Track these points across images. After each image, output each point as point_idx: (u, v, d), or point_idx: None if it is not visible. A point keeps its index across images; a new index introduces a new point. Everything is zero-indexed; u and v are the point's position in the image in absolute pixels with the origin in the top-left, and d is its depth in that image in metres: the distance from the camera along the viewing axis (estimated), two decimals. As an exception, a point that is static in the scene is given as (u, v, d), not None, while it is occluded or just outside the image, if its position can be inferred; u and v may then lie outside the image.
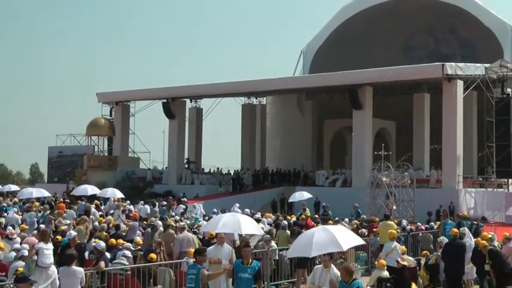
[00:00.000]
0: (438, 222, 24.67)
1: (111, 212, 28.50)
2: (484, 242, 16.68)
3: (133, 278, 14.54)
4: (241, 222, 14.61)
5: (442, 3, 48.24)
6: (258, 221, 21.19)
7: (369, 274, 18.46)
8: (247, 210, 27.96)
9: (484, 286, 16.70)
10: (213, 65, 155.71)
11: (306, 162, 50.98)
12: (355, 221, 26.27)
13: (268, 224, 23.72)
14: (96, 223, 22.55)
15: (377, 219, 23.94)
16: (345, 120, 47.18)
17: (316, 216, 29.84)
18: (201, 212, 30.97)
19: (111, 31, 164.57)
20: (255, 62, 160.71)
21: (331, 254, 11.72)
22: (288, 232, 19.72)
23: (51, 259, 13.68)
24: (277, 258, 17.87)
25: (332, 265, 11.63)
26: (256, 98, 55.80)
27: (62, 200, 32.09)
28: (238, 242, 16.62)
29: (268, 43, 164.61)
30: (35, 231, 18.98)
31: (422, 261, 18.02)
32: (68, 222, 22.82)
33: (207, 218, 25.50)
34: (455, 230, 17.85)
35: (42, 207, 27.78)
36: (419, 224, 26.26)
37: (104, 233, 19.47)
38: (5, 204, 29.92)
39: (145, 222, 23.85)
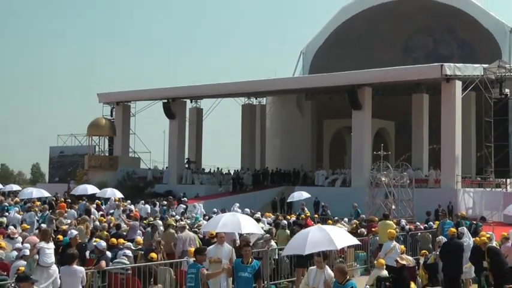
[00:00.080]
0: (437, 222, 24.78)
1: (111, 211, 28.56)
2: (484, 238, 16.72)
3: (134, 277, 14.59)
4: (241, 222, 14.61)
5: (441, 4, 48.38)
6: (257, 220, 21.24)
7: (368, 273, 18.50)
8: (247, 209, 28.00)
9: (482, 282, 16.70)
10: (213, 66, 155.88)
11: (305, 162, 51.05)
12: (355, 220, 26.32)
13: (268, 224, 23.78)
14: (97, 223, 22.55)
15: (376, 218, 23.80)
16: (344, 121, 47.24)
17: (316, 216, 30.01)
18: (201, 211, 31.04)
19: (112, 31, 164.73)
20: (255, 62, 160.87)
21: (325, 255, 11.63)
22: (288, 232, 19.77)
23: (53, 258, 13.62)
24: (276, 257, 17.88)
25: (326, 266, 11.56)
26: (256, 98, 55.89)
27: (63, 199, 32.15)
28: (238, 242, 16.78)
29: (268, 43, 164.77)
30: (36, 231, 19.03)
31: (421, 261, 18.01)
32: (69, 221, 22.90)
33: (207, 217, 25.54)
34: (453, 229, 17.91)
35: (42, 207, 27.84)
36: (418, 223, 26.28)
37: (105, 233, 19.48)
38: (6, 204, 29.93)
39: (144, 221, 23.89)
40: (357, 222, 25.21)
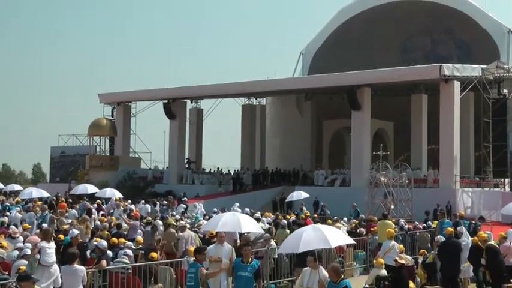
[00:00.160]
0: (436, 222, 24.81)
1: (111, 211, 28.66)
2: (484, 235, 16.84)
3: (134, 276, 14.65)
4: (241, 221, 14.62)
5: (439, 5, 48.48)
6: (257, 220, 21.29)
7: (367, 273, 18.46)
8: (247, 209, 28.12)
9: (480, 277, 16.85)
10: (213, 66, 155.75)
11: (305, 162, 51.16)
12: (354, 220, 26.34)
13: (267, 224, 23.85)
14: (98, 222, 22.74)
15: (375, 218, 23.79)
16: (343, 121, 47.36)
17: (315, 215, 30.14)
18: (202, 211, 31.08)
19: (113, 32, 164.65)
20: (255, 63, 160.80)
21: (319, 256, 11.47)
22: (288, 231, 19.62)
23: (54, 258, 13.61)
24: (276, 257, 17.80)
25: (320, 266, 11.43)
26: (256, 99, 55.96)
27: (63, 199, 32.21)
28: (239, 241, 16.92)
29: (268, 44, 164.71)
30: (38, 231, 19.06)
31: (420, 260, 18.12)
32: (70, 221, 22.90)
33: (207, 217, 25.60)
34: (451, 229, 18.07)
35: (41, 207, 27.52)
36: (417, 223, 26.35)
37: (106, 232, 19.51)
38: (7, 204, 30.19)
39: (143, 221, 23.82)
40: (356, 221, 25.17)
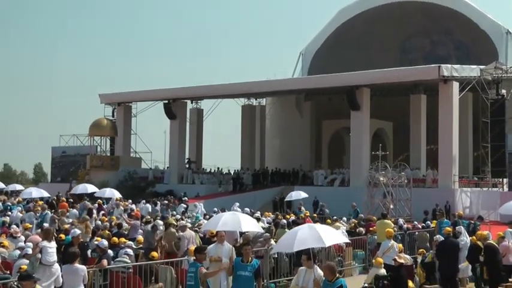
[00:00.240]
0: (434, 221, 24.81)
1: (111, 211, 28.79)
2: (484, 233, 16.99)
3: (135, 275, 14.73)
4: (241, 221, 14.70)
5: (438, 6, 48.57)
6: (257, 219, 21.41)
7: (366, 272, 18.50)
8: (247, 209, 28.33)
9: (477, 273, 16.97)
10: (213, 67, 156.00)
11: (304, 162, 51.18)
12: (353, 219, 26.44)
13: (267, 223, 23.97)
14: (99, 222, 22.85)
15: (374, 218, 23.89)
16: (343, 121, 47.42)
17: (315, 215, 30.31)
18: (202, 211, 31.15)
19: (113, 33, 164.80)
20: (255, 63, 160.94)
21: (313, 255, 11.51)
22: (287, 231, 19.78)
23: (55, 257, 13.65)
24: (276, 256, 17.90)
25: (315, 265, 11.46)
26: (255, 99, 56.04)
27: (64, 199, 32.31)
28: (240, 241, 17.02)
29: (268, 45, 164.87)
30: (39, 230, 19.12)
31: (419, 259, 18.22)
32: (71, 221, 23.10)
33: (207, 217, 25.63)
34: (449, 228, 18.19)
35: (41, 206, 27.82)
36: (415, 222, 26.40)
37: (107, 232, 19.69)
38: (9, 203, 30.25)
39: (142, 220, 23.80)
40: (356, 221, 25.26)
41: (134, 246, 17.70)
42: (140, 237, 19.35)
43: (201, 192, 45.54)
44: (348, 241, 16.29)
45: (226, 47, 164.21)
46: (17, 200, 31.36)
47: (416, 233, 23.28)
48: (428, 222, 25.94)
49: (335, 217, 26.42)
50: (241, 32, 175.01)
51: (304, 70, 54.84)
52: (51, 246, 13.85)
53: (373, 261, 15.73)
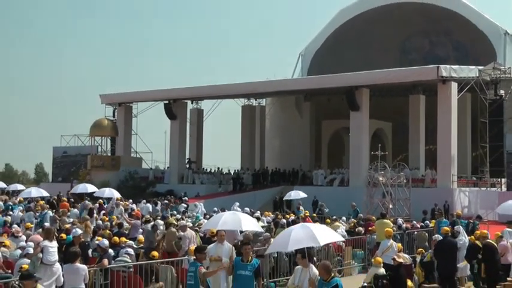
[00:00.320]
0: (433, 221, 24.90)
1: (110, 211, 28.83)
2: (484, 232, 17.12)
3: (135, 275, 14.84)
4: (241, 220, 14.86)
5: (437, 7, 48.63)
6: (257, 219, 21.61)
7: (365, 271, 18.49)
8: (247, 209, 28.44)
9: (474, 270, 17.06)
10: (213, 67, 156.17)
11: (304, 162, 51.25)
12: (352, 219, 26.56)
13: (267, 223, 24.12)
14: (100, 221, 22.98)
15: (374, 217, 23.97)
16: (342, 121, 47.57)
17: (314, 215, 30.47)
18: (202, 210, 31.21)
19: (114, 33, 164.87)
20: (255, 64, 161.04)
21: (308, 254, 11.47)
22: None
23: (56, 257, 13.67)
24: (276, 255, 17.97)
25: (311, 264, 11.44)
26: (255, 100, 56.04)
27: (65, 199, 32.51)
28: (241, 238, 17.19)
29: (268, 45, 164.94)
30: (40, 230, 19.16)
31: (418, 259, 18.21)
32: (71, 220, 23.25)
33: (207, 216, 25.78)
34: (446, 228, 18.16)
35: (41, 206, 28.10)
36: (414, 222, 26.52)
37: (107, 231, 19.86)
38: (10, 203, 30.33)
39: (142, 219, 23.99)
40: (355, 221, 25.38)
41: (135, 246, 17.82)
42: (141, 237, 19.45)
43: (201, 192, 45.65)
44: (342, 239, 16.32)
45: (226, 47, 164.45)
46: (18, 199, 31.33)
47: (415, 232, 23.35)
48: (427, 221, 26.05)
49: (334, 217, 26.55)
50: (241, 33, 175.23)
51: (304, 70, 54.94)
52: (52, 246, 13.90)
53: (372, 260, 15.74)
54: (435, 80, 38.52)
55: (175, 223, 20.03)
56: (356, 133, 42.35)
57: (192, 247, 15.08)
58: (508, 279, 16.30)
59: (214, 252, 12.99)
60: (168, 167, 52.65)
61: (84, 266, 12.80)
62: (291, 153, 52.33)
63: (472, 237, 18.06)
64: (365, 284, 14.81)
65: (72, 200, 33.00)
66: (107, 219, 24.02)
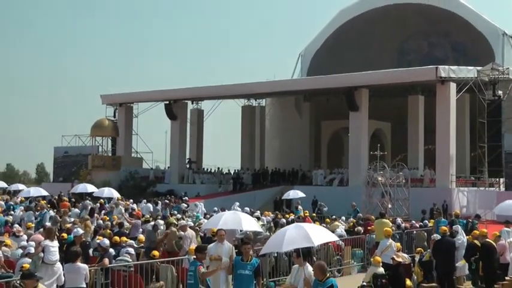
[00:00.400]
0: (432, 220, 25.07)
1: (109, 210, 28.81)
2: (484, 230, 17.25)
3: (136, 274, 14.86)
4: (242, 220, 14.87)
5: (436, 9, 48.78)
6: (257, 219, 21.79)
7: (364, 270, 18.55)
8: (247, 208, 28.41)
9: (473, 264, 17.16)
10: (213, 68, 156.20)
11: (304, 162, 51.39)
12: (352, 219, 26.62)
13: (267, 222, 24.26)
14: (101, 221, 22.98)
15: (373, 217, 23.92)
16: (341, 122, 47.69)
17: (314, 214, 30.64)
18: (202, 210, 31.27)
19: (115, 34, 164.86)
20: (255, 64, 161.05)
21: (302, 253, 11.42)
22: None
23: (57, 256, 13.70)
24: (276, 255, 17.94)
25: (307, 263, 11.43)
26: (255, 100, 56.14)
27: (66, 199, 32.63)
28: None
29: (268, 46, 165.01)
30: (41, 229, 19.15)
31: (417, 258, 18.37)
32: (72, 220, 23.27)
33: (208, 216, 25.79)
34: (444, 227, 18.33)
35: (40, 205, 27.98)
36: (413, 222, 26.65)
37: (108, 231, 19.93)
38: (12, 203, 30.29)
39: (142, 218, 24.06)
40: (354, 220, 25.44)
41: (135, 245, 17.87)
42: (141, 236, 19.50)
43: (201, 192, 45.78)
44: (337, 239, 16.37)
45: (226, 47, 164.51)
46: (19, 199, 31.34)
47: (414, 232, 23.51)
48: (426, 221, 26.17)
49: (334, 216, 26.70)
50: (241, 33, 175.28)
51: (304, 71, 55.11)
52: (54, 245, 13.92)
53: (372, 260, 15.76)
54: (434, 81, 38.67)
55: (176, 223, 20.09)
56: (355, 133, 42.52)
57: (193, 247, 15.12)
58: (507, 278, 16.42)
59: (214, 251, 12.96)
60: (168, 167, 52.75)
61: (85, 266, 12.82)
62: (290, 153, 52.42)
63: (470, 236, 18.15)
64: (364, 283, 14.86)
65: (73, 199, 33.07)
66: (108, 218, 24.05)
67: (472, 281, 17.85)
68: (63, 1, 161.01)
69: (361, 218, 25.83)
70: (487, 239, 16.96)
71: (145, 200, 33.50)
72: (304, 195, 33.47)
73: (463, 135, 44.13)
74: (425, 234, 22.62)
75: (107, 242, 16.15)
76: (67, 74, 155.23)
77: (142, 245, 18.64)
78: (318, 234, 11.21)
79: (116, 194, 31.83)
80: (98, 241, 16.73)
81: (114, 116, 54.23)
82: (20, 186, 39.53)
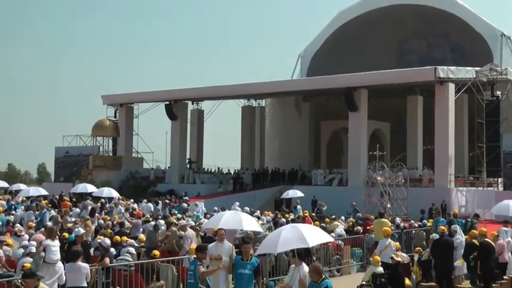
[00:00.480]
0: (431, 220, 25.17)
1: (109, 210, 28.98)
2: (483, 230, 17.27)
3: (137, 273, 14.86)
4: (242, 219, 14.97)
5: (435, 10, 48.87)
6: (257, 218, 21.86)
7: (364, 270, 18.57)
8: (247, 208, 28.48)
9: (471, 262, 17.20)
10: (213, 68, 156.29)
11: (303, 162, 51.51)
12: (351, 218, 26.68)
13: (267, 222, 24.26)
14: (101, 221, 23.12)
15: (372, 217, 23.88)
16: (341, 122, 47.78)
17: (313, 214, 30.78)
18: (203, 210, 31.33)
19: (116, 34, 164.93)
20: (255, 65, 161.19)
21: (299, 253, 11.44)
22: None
23: (58, 255, 13.69)
24: (276, 254, 17.72)
25: (303, 263, 11.38)
26: (255, 100, 56.34)
27: (67, 198, 32.73)
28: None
29: (268, 46, 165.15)
30: (43, 229, 19.23)
31: (416, 258, 18.49)
32: (73, 219, 23.33)
33: (208, 216, 25.86)
34: (443, 227, 18.42)
35: (40, 205, 28.12)
36: (412, 221, 26.66)
37: (109, 231, 20.03)
38: (13, 203, 30.50)
39: (142, 218, 24.02)
40: (353, 220, 25.50)
41: (136, 245, 17.91)
42: (142, 236, 19.58)
43: (201, 191, 45.91)
44: (332, 239, 16.47)
45: (227, 48, 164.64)
46: (20, 199, 31.46)
47: (413, 231, 23.59)
48: (425, 221, 26.22)
49: (333, 216, 26.82)
50: (241, 33, 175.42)
51: (303, 72, 55.19)
52: (55, 245, 13.94)
53: (371, 259, 15.81)
54: (433, 81, 38.84)
55: (176, 222, 20.18)
56: (354, 133, 42.66)
57: (193, 246, 15.21)
58: (505, 277, 16.55)
59: (214, 251, 12.95)
60: (169, 167, 52.84)
61: (86, 265, 12.88)
62: (290, 154, 52.52)
63: (468, 236, 18.21)
64: (363, 283, 14.90)
65: (74, 199, 33.24)
66: (108, 218, 24.15)
67: (471, 280, 17.91)
68: (63, 1, 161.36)
69: (360, 218, 25.85)
70: (486, 239, 16.99)
71: (145, 200, 33.66)
72: (303, 195, 33.60)
73: (461, 135, 44.40)
74: (424, 233, 22.67)
75: (107, 241, 16.21)
76: (67, 74, 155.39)
77: (143, 244, 18.74)
78: (313, 235, 11.19)
79: (115, 194, 31.94)
80: (99, 240, 16.80)
81: (115, 116, 54.38)
82: (22, 186, 39.66)
